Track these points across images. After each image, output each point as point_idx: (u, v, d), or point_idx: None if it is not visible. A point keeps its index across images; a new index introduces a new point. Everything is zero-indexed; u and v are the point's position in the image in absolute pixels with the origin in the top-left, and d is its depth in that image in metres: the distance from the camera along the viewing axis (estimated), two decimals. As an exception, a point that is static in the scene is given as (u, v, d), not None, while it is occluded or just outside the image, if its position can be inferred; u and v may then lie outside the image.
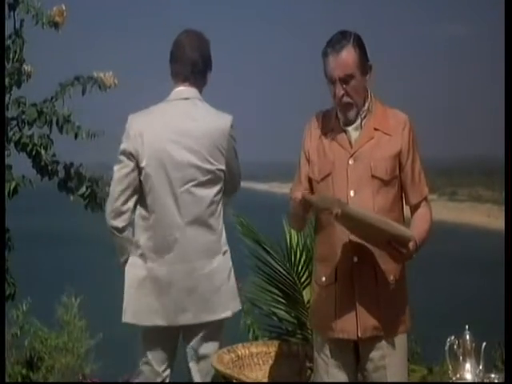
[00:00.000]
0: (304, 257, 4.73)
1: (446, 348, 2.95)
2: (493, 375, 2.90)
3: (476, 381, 2.89)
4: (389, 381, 2.98)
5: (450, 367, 2.94)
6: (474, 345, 2.90)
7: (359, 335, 2.98)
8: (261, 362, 3.70)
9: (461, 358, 2.91)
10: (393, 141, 3.02)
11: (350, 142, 3.04)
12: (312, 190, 3.12)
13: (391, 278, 2.97)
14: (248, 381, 3.41)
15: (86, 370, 5.70)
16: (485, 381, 2.88)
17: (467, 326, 3.01)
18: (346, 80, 2.95)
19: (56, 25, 4.27)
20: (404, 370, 3.07)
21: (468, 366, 2.91)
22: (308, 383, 3.11)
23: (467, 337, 2.92)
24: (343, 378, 3.06)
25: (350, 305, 2.98)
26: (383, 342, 3.00)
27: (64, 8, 4.27)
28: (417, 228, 3.02)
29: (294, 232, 4.84)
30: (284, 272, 4.77)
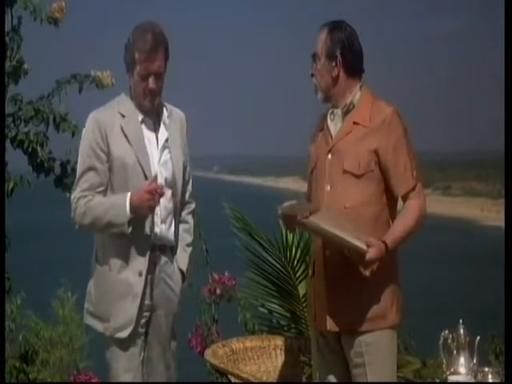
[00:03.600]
0: (299, 251, 4.73)
1: (440, 342, 2.95)
2: (486, 369, 2.91)
3: (470, 374, 2.90)
4: (369, 377, 2.95)
5: (444, 361, 2.94)
6: (467, 339, 2.91)
7: (328, 328, 2.98)
8: (255, 357, 3.70)
9: (455, 351, 2.92)
10: (370, 134, 3.02)
11: (331, 137, 3.08)
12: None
13: (367, 272, 2.94)
14: (242, 375, 3.42)
15: (80, 364, 5.70)
16: (478, 374, 2.89)
17: (461, 320, 3.01)
18: (314, 59, 3.07)
19: (55, 21, 4.25)
20: (389, 367, 3.01)
21: (462, 359, 2.92)
22: (304, 383, 3.12)
23: (461, 331, 2.93)
24: (331, 369, 3.06)
25: (323, 298, 3.01)
26: (362, 338, 2.96)
27: (64, 5, 4.25)
28: (393, 228, 3.00)
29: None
30: (279, 266, 4.77)
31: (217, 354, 3.51)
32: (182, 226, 3.31)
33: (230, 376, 3.43)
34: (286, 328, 4.77)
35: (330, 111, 3.10)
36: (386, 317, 2.98)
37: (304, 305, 4.72)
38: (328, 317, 2.98)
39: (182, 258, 3.30)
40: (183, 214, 3.33)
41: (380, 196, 3.03)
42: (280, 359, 3.69)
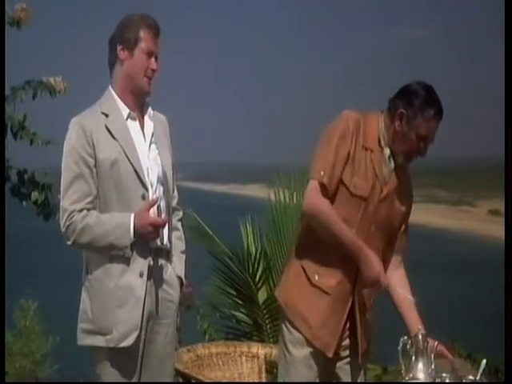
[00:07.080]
0: (259, 258, 4.79)
1: (399, 348, 2.99)
2: (444, 374, 2.94)
3: (428, 380, 2.94)
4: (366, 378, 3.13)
5: (403, 367, 2.98)
6: (426, 344, 2.95)
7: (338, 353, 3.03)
8: (220, 363, 3.70)
9: (413, 357, 2.96)
10: (407, 189, 3.06)
11: (384, 180, 2.96)
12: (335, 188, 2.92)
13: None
14: (206, 381, 3.42)
15: (41, 374, 5.63)
16: (436, 380, 2.92)
17: (420, 326, 3.06)
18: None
19: (18, 22, 4.19)
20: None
21: (420, 365, 2.95)
22: (283, 383, 3.07)
23: (419, 337, 2.96)
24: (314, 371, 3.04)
25: (340, 320, 3.00)
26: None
27: (25, 6, 4.22)
28: None
29: (250, 233, 4.94)
30: (240, 273, 4.81)
31: (182, 359, 3.49)
32: (174, 234, 3.14)
33: (194, 381, 3.42)
34: (248, 335, 4.80)
35: (387, 153, 2.95)
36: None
37: (265, 311, 4.76)
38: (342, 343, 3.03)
39: (180, 264, 3.11)
40: (174, 221, 3.16)
41: None
42: (245, 366, 3.70)
